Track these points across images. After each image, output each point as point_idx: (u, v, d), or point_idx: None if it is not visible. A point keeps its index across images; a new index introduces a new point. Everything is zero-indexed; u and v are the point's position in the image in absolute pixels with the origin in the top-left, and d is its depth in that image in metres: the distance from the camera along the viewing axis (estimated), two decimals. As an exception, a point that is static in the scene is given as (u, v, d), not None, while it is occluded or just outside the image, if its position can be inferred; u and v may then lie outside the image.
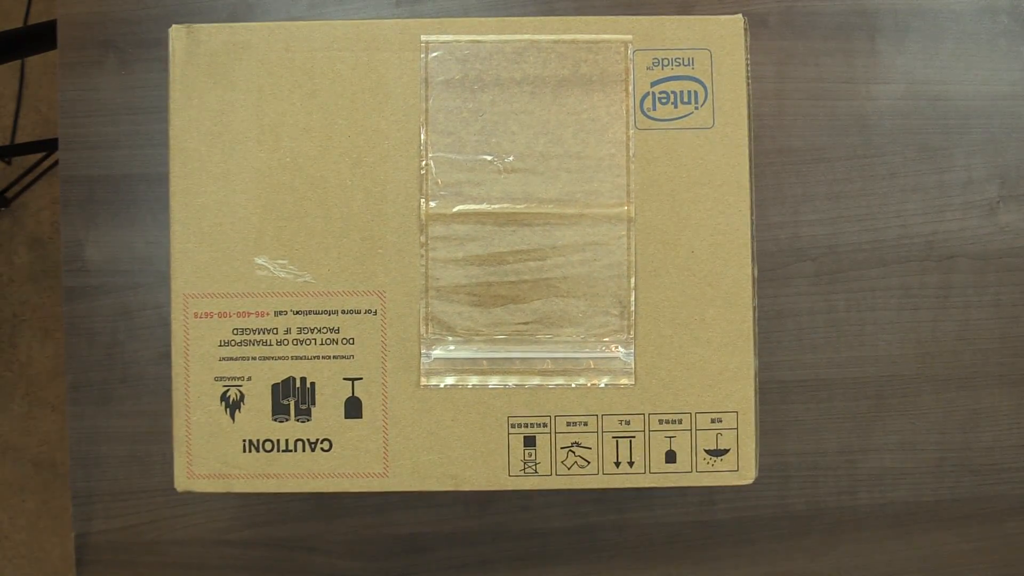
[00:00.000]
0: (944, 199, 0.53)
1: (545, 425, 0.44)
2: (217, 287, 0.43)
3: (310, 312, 0.44)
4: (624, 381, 0.44)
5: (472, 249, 0.44)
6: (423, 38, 0.43)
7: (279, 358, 0.44)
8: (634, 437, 0.44)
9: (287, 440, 0.44)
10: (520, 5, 0.54)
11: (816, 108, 0.53)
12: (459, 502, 0.54)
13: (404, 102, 0.43)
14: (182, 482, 0.44)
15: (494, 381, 0.44)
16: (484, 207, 0.44)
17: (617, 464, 0.44)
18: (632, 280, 0.44)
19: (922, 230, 0.53)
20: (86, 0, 0.54)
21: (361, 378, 0.44)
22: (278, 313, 0.44)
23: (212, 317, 0.43)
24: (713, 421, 0.44)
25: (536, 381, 0.44)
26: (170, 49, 0.43)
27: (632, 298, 0.44)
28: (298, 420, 0.44)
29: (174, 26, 0.43)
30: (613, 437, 0.44)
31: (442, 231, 0.43)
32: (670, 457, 0.44)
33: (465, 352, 0.44)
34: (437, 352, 0.44)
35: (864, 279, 0.53)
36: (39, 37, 0.82)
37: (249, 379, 0.44)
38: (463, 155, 0.43)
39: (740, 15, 0.44)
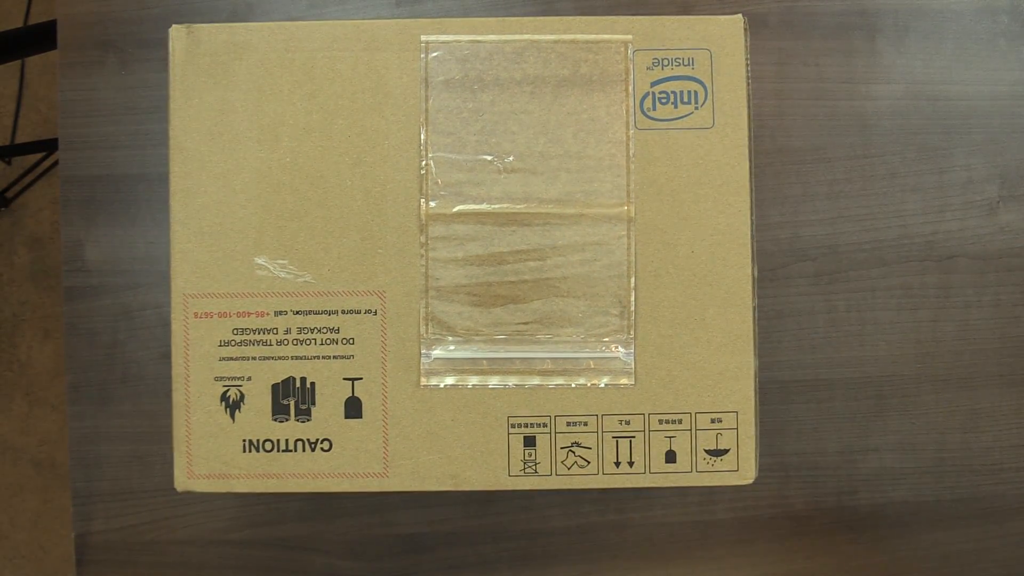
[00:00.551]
0: (944, 199, 0.53)
1: (545, 425, 0.44)
2: (217, 287, 0.43)
3: (310, 312, 0.44)
4: (624, 381, 0.44)
5: (472, 249, 0.44)
6: (423, 38, 0.44)
7: (279, 358, 0.44)
8: (634, 437, 0.44)
9: (287, 440, 0.44)
10: (520, 5, 0.54)
11: (816, 108, 0.53)
12: (459, 502, 0.54)
13: (404, 102, 0.43)
14: (182, 482, 0.44)
15: (494, 381, 0.44)
16: (484, 207, 0.44)
17: (617, 464, 0.44)
18: (632, 280, 0.44)
19: (922, 230, 0.53)
20: (86, 0, 0.54)
21: (361, 378, 0.44)
22: (278, 313, 0.44)
23: (212, 317, 0.43)
24: (713, 421, 0.44)
25: (536, 381, 0.44)
26: (170, 49, 0.43)
27: (632, 298, 0.44)
28: (298, 420, 0.44)
29: (174, 26, 0.43)
30: (613, 437, 0.44)
31: (442, 231, 0.43)
32: (670, 457, 0.44)
33: (465, 352, 0.44)
34: (437, 352, 0.44)
35: (864, 279, 0.53)
36: (39, 37, 0.82)
37: (249, 379, 0.44)
38: (463, 155, 0.43)
39: (740, 15, 0.44)
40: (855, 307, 0.53)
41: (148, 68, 0.54)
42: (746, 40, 0.44)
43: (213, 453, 0.44)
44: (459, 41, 0.44)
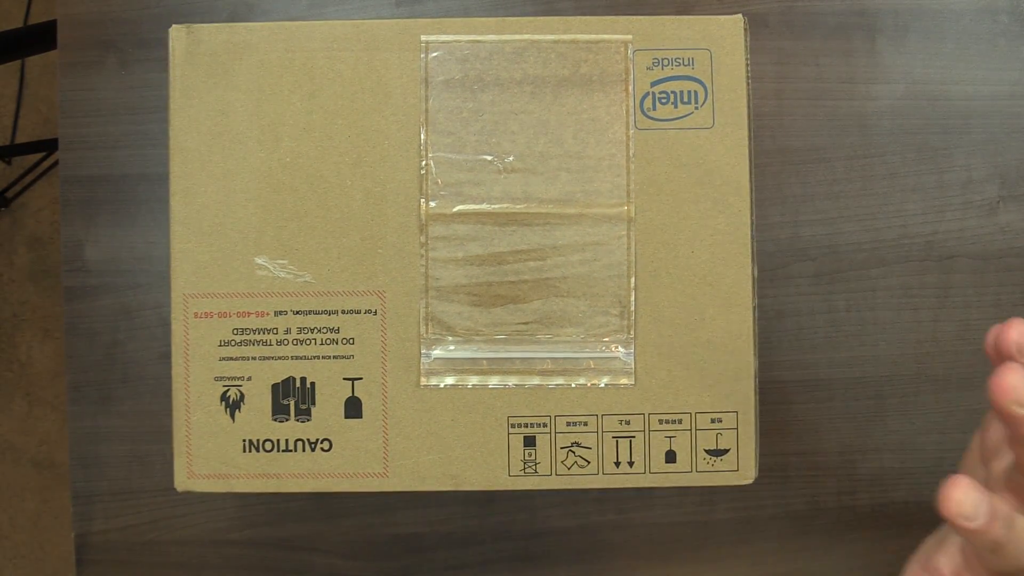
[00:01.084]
0: (944, 199, 0.53)
1: (545, 425, 0.44)
2: (217, 287, 0.43)
3: (310, 312, 0.44)
4: (624, 381, 0.44)
5: (472, 249, 0.44)
6: (423, 38, 0.43)
7: (279, 358, 0.44)
8: (634, 437, 0.44)
9: (287, 440, 0.44)
10: (520, 5, 0.54)
11: (816, 108, 0.53)
12: (459, 502, 0.54)
13: (404, 102, 0.43)
14: (182, 482, 0.44)
15: (494, 381, 0.44)
16: (484, 207, 0.44)
17: (617, 464, 0.44)
18: (632, 280, 0.44)
19: (922, 230, 0.53)
20: (86, 0, 0.54)
21: (361, 378, 0.44)
22: (278, 313, 0.44)
23: (212, 317, 0.43)
24: (713, 421, 0.44)
25: (536, 381, 0.44)
26: (170, 49, 0.43)
27: (632, 298, 0.44)
28: (298, 420, 0.44)
29: (174, 26, 0.43)
30: (613, 437, 0.44)
31: (442, 231, 0.43)
32: (670, 457, 0.44)
33: (465, 352, 0.44)
34: (437, 352, 0.44)
35: (864, 279, 0.53)
36: (39, 37, 0.82)
37: (249, 379, 0.44)
38: (463, 155, 0.43)
39: (740, 15, 0.44)
40: (855, 307, 0.53)
41: (148, 68, 0.54)
42: (746, 40, 0.44)
43: (213, 453, 0.44)
44: (459, 41, 0.44)
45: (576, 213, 0.44)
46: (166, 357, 0.53)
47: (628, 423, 0.44)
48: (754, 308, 0.44)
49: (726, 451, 0.44)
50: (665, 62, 0.44)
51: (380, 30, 0.44)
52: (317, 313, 0.44)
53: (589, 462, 0.44)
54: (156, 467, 0.54)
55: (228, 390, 0.44)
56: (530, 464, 0.44)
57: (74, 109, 0.54)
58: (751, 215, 0.44)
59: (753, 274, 0.44)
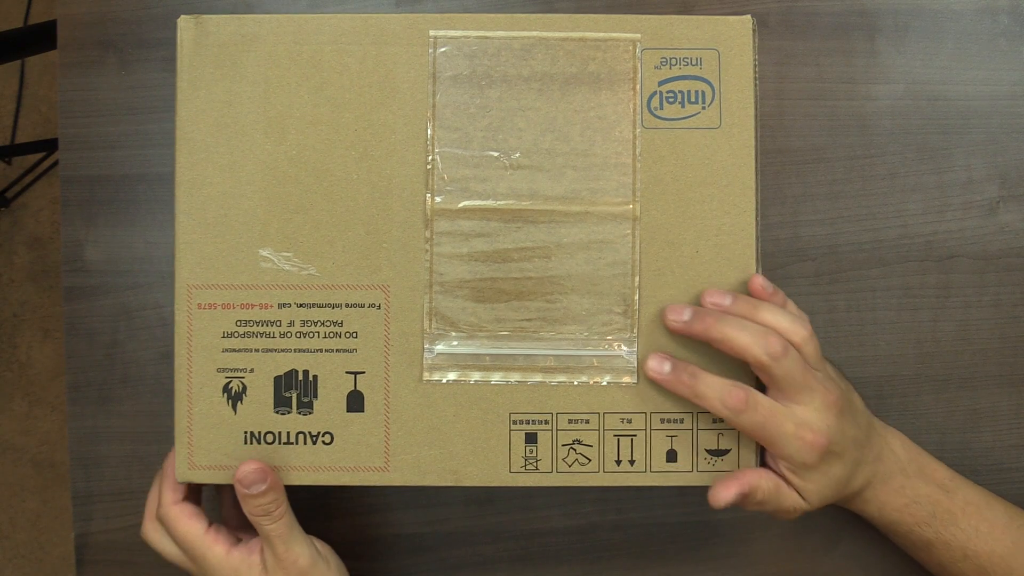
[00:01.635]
0: (944, 199, 0.54)
1: (547, 422, 0.44)
2: (221, 278, 0.43)
3: (314, 305, 0.44)
4: (626, 380, 0.44)
5: (477, 245, 0.44)
6: (431, 33, 0.44)
7: (282, 350, 0.44)
8: (635, 436, 0.44)
9: (289, 433, 0.44)
10: (520, 5, 0.54)
11: (816, 108, 0.53)
12: (459, 502, 0.54)
13: (411, 97, 0.44)
14: (183, 473, 0.44)
15: (496, 377, 0.44)
16: (490, 203, 0.44)
17: (618, 462, 0.44)
18: (636, 279, 0.44)
19: (922, 230, 0.53)
20: (86, 0, 0.54)
21: (364, 372, 0.44)
22: (282, 305, 0.44)
23: (216, 308, 0.43)
24: (714, 421, 0.44)
25: (538, 378, 0.44)
26: (178, 40, 0.43)
27: (636, 297, 0.44)
28: (300, 413, 0.44)
29: (182, 16, 0.43)
30: (614, 435, 0.44)
31: (447, 226, 0.44)
32: (671, 456, 0.44)
33: (468, 348, 0.44)
34: (440, 347, 0.44)
35: (864, 279, 0.53)
36: (39, 37, 0.82)
37: (252, 371, 0.44)
38: (469, 151, 0.44)
39: (749, 16, 0.44)
40: (855, 307, 0.53)
41: (148, 68, 0.54)
42: (754, 41, 0.44)
43: (215, 444, 0.44)
44: (467, 37, 0.44)
45: (581, 211, 0.44)
46: (166, 357, 0.53)
47: (630, 422, 0.44)
48: (757, 308, 0.44)
49: (727, 451, 0.44)
50: (673, 61, 0.44)
51: (389, 24, 0.44)
52: (321, 306, 0.44)
53: (590, 460, 0.44)
54: (156, 467, 0.53)
55: (230, 382, 0.44)
56: (531, 461, 0.44)
57: (74, 109, 0.54)
58: (756, 216, 0.44)
59: (758, 274, 0.44)
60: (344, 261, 0.44)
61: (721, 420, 0.44)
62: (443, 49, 0.44)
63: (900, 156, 0.53)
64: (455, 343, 0.44)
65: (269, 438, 0.44)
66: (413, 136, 0.44)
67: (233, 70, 0.43)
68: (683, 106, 0.44)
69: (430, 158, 0.44)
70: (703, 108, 0.44)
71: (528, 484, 0.44)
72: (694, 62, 0.44)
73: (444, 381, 0.44)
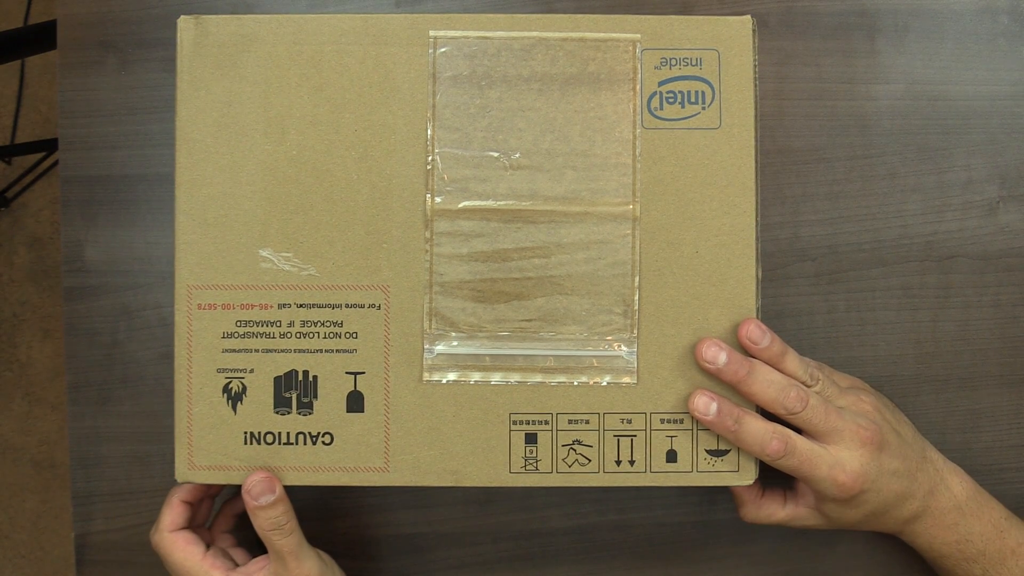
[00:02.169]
0: (944, 199, 0.53)
1: (547, 422, 0.44)
2: (221, 279, 0.43)
3: (313, 305, 0.44)
4: (626, 380, 0.44)
5: (477, 245, 0.44)
6: (432, 33, 0.44)
7: (282, 351, 0.44)
8: (635, 436, 0.44)
9: (288, 433, 0.44)
10: (520, 5, 0.54)
11: (816, 108, 0.53)
12: (459, 502, 0.54)
13: (411, 97, 0.44)
14: (183, 473, 0.44)
15: (496, 378, 0.44)
16: (490, 203, 0.44)
17: (618, 463, 0.44)
18: (636, 279, 0.44)
19: (922, 230, 0.53)
20: (86, 0, 0.54)
21: (363, 372, 0.44)
22: (282, 306, 0.44)
23: (216, 308, 0.43)
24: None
25: (538, 378, 0.44)
26: (178, 40, 0.43)
27: (636, 297, 0.44)
28: (300, 413, 0.44)
29: (182, 17, 0.43)
30: (614, 436, 0.44)
31: (447, 227, 0.44)
32: (671, 456, 0.44)
33: (468, 348, 0.44)
34: (440, 348, 0.44)
35: (864, 279, 0.53)
36: (39, 37, 0.82)
37: (251, 371, 0.44)
38: (469, 151, 0.44)
39: (749, 16, 0.44)
40: (855, 307, 0.53)
41: (148, 68, 0.54)
42: (754, 41, 0.44)
43: (214, 444, 0.44)
44: (467, 37, 0.44)
45: (581, 211, 0.44)
46: (166, 357, 0.53)
47: (630, 422, 0.44)
48: (758, 309, 0.44)
49: (727, 451, 0.44)
50: (673, 62, 0.44)
51: (389, 24, 0.44)
52: (321, 307, 0.44)
53: (590, 460, 0.44)
54: (156, 467, 0.54)
55: (230, 382, 0.44)
56: (531, 461, 0.44)
57: (74, 109, 0.54)
58: (756, 216, 0.44)
59: (757, 275, 0.44)
60: (344, 261, 0.44)
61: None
62: (443, 49, 0.44)
63: (900, 156, 0.53)
64: (455, 343, 0.44)
65: (269, 438, 0.44)
66: (413, 136, 0.44)
67: (233, 70, 0.43)
68: (683, 106, 0.44)
69: (430, 158, 0.44)
70: (703, 108, 0.44)
71: (528, 484, 0.44)
72: (694, 62, 0.44)
73: (444, 381, 0.44)
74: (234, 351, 0.43)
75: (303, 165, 0.43)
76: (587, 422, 0.44)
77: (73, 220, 0.54)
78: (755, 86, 0.44)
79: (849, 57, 0.53)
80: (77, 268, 0.54)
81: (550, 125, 0.44)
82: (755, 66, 0.44)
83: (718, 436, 0.44)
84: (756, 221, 0.44)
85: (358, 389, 0.44)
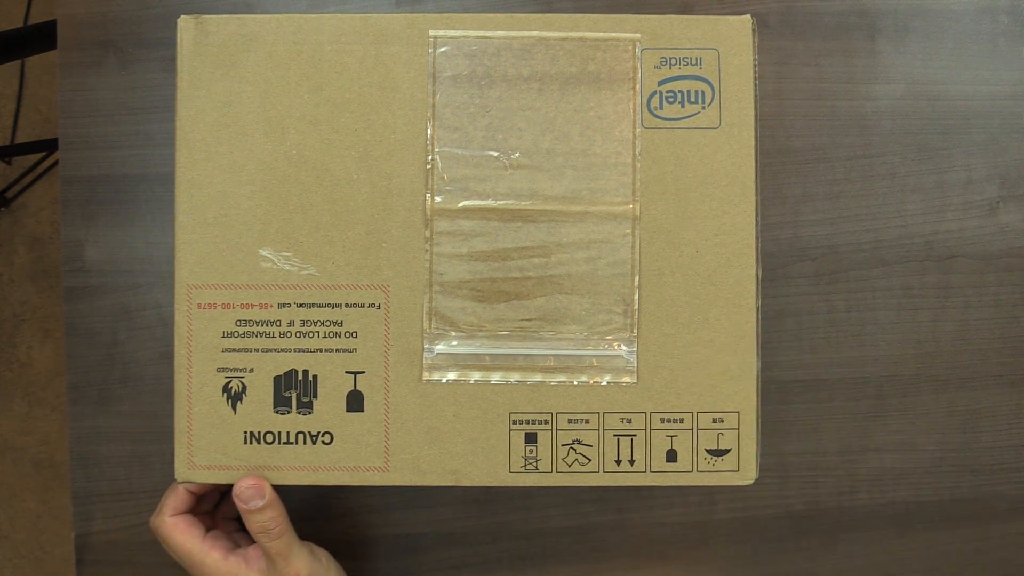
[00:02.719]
0: (944, 199, 0.54)
1: (547, 422, 0.44)
2: (221, 278, 0.43)
3: (313, 305, 0.44)
4: (626, 379, 0.44)
5: (477, 245, 0.44)
6: (431, 33, 0.44)
7: (282, 350, 0.44)
8: (635, 436, 0.44)
9: (288, 432, 0.44)
10: (520, 5, 0.54)
11: (816, 108, 0.53)
12: (459, 502, 0.54)
13: (411, 96, 0.44)
14: (182, 472, 0.44)
15: (496, 377, 0.44)
16: (489, 203, 0.44)
17: (618, 462, 0.44)
18: (636, 279, 0.44)
19: (922, 230, 0.53)
20: (86, 0, 0.54)
21: (363, 372, 0.44)
22: (281, 305, 0.44)
23: (215, 308, 0.43)
24: (715, 421, 0.44)
25: (538, 378, 0.44)
26: (178, 40, 0.43)
27: (636, 297, 0.44)
28: (300, 413, 0.44)
29: (183, 16, 0.43)
30: (614, 435, 0.44)
31: (447, 226, 0.44)
32: (671, 456, 0.44)
33: (468, 348, 0.44)
34: (440, 347, 0.44)
35: (864, 279, 0.53)
36: (39, 37, 0.82)
37: (251, 371, 0.44)
38: (469, 150, 0.44)
39: (749, 16, 0.44)
40: (855, 307, 0.53)
41: (148, 68, 0.54)
42: (754, 41, 0.44)
43: (214, 444, 0.44)
44: (467, 36, 0.44)
45: (581, 211, 0.44)
46: (166, 357, 0.53)
47: (630, 421, 0.44)
48: (758, 309, 0.44)
49: (727, 451, 0.44)
50: (673, 61, 0.44)
51: (388, 24, 0.44)
52: (320, 306, 0.44)
53: (590, 460, 0.44)
54: (156, 467, 0.54)
55: (230, 381, 0.44)
56: (531, 461, 0.44)
57: (74, 109, 0.54)
58: (756, 216, 0.44)
59: (757, 275, 0.44)
60: (344, 261, 0.44)
61: (722, 420, 0.44)
62: (443, 49, 0.44)
63: (900, 156, 0.53)
64: (455, 343, 0.44)
65: (269, 438, 0.44)
66: (413, 136, 0.44)
67: (233, 70, 0.43)
68: (683, 106, 0.44)
69: (430, 158, 0.44)
70: (703, 108, 0.44)
71: (528, 484, 0.44)
72: (694, 62, 0.44)
73: (444, 381, 0.44)
74: (234, 351, 0.43)
75: (303, 165, 0.43)
76: (587, 422, 0.44)
77: (73, 220, 0.54)
78: (755, 86, 0.44)
79: (849, 57, 0.53)
80: (77, 268, 0.54)
81: (550, 124, 0.44)
82: (755, 66, 0.44)
83: (718, 435, 0.44)
84: (756, 221, 0.44)
85: (358, 389, 0.44)
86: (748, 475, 0.44)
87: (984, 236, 0.53)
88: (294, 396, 0.44)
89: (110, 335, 0.54)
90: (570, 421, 0.44)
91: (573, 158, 0.44)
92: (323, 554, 0.46)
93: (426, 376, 0.44)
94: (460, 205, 0.44)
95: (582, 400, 0.44)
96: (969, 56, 0.54)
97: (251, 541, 0.47)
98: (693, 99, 0.44)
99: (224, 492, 0.49)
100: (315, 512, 0.53)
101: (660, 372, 0.44)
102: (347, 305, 0.44)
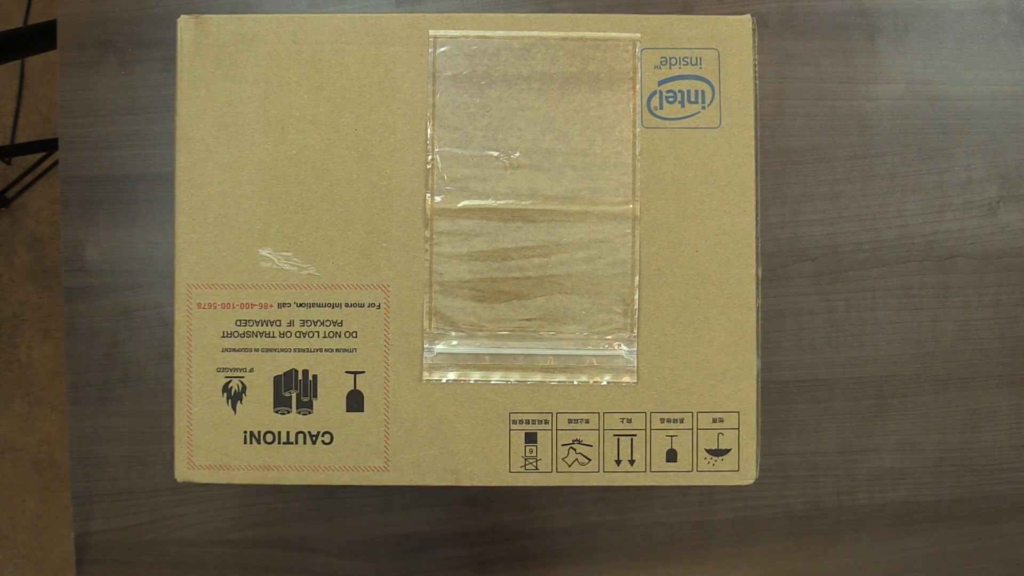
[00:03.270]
0: (944, 199, 0.54)
1: (547, 422, 0.44)
2: (221, 278, 0.43)
3: (313, 305, 0.44)
4: (626, 379, 0.44)
5: (476, 244, 0.44)
6: (431, 33, 0.44)
7: (282, 350, 0.44)
8: (635, 435, 0.44)
9: (288, 432, 0.44)
10: (520, 5, 0.54)
11: (816, 108, 0.53)
12: (459, 502, 0.54)
13: (411, 96, 0.44)
14: (182, 472, 0.44)
15: (496, 377, 0.44)
16: (489, 203, 0.44)
17: (618, 462, 0.44)
18: (636, 278, 0.44)
19: (922, 230, 0.53)
20: (86, 0, 0.54)
21: (363, 372, 0.44)
22: (281, 305, 0.44)
23: (215, 308, 0.43)
24: (715, 421, 0.44)
25: (538, 378, 0.44)
26: (178, 40, 0.44)
27: (636, 296, 0.44)
28: (300, 412, 0.44)
29: (183, 16, 0.43)
30: (614, 435, 0.44)
31: (447, 226, 0.44)
32: (671, 456, 0.44)
33: (468, 347, 0.44)
34: (440, 347, 0.44)
35: (864, 279, 0.53)
36: (39, 37, 0.82)
37: (251, 370, 0.44)
38: (469, 150, 0.44)
39: (749, 16, 0.44)
40: (855, 307, 0.53)
41: (148, 68, 0.54)
42: (754, 41, 0.44)
43: (214, 444, 0.44)
44: (467, 36, 0.44)
45: (581, 210, 0.44)
46: (166, 357, 0.53)
47: (630, 421, 0.44)
48: (758, 308, 0.44)
49: (727, 451, 0.44)
50: (673, 61, 0.44)
51: (388, 24, 0.44)
52: (320, 306, 0.44)
53: (590, 460, 0.44)
54: (156, 467, 0.54)
55: (230, 381, 0.44)
56: (531, 461, 0.44)
57: (74, 109, 0.54)
58: (756, 215, 0.44)
59: (757, 274, 0.44)
60: (344, 261, 0.44)
61: (722, 420, 0.44)
62: (443, 49, 0.44)
63: (900, 156, 0.53)
64: (455, 343, 0.44)
65: (269, 438, 0.44)
66: (413, 136, 0.44)
67: (233, 70, 0.43)
68: (683, 106, 0.44)
69: (430, 158, 0.44)
70: (703, 108, 0.44)
71: (528, 484, 0.44)
72: (694, 62, 0.44)
73: (444, 381, 0.44)
74: (234, 350, 0.43)
75: (303, 165, 0.44)
76: (587, 422, 0.44)
77: (73, 220, 0.54)
78: (755, 86, 0.44)
79: (849, 57, 0.53)
80: (77, 268, 0.54)
81: (550, 124, 0.44)
82: (755, 66, 0.44)
83: (718, 435, 0.44)
84: (756, 221, 0.44)
85: (358, 388, 0.44)
86: (748, 475, 0.44)
87: (984, 236, 0.53)
88: (294, 396, 0.44)
89: (110, 335, 0.54)
90: (570, 421, 0.44)
91: (573, 158, 0.44)
92: None
93: (426, 376, 0.44)
94: (460, 205, 0.44)
95: (582, 400, 0.44)
96: (969, 56, 0.54)
97: None
98: (693, 99, 0.44)
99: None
100: (315, 512, 0.53)
101: (660, 372, 0.44)
102: (347, 305, 0.44)
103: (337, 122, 0.44)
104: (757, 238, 0.44)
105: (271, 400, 0.44)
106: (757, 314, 0.44)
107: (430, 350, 0.44)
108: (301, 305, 0.44)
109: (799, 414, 0.54)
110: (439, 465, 0.44)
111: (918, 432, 0.53)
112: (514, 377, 0.44)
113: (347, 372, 0.44)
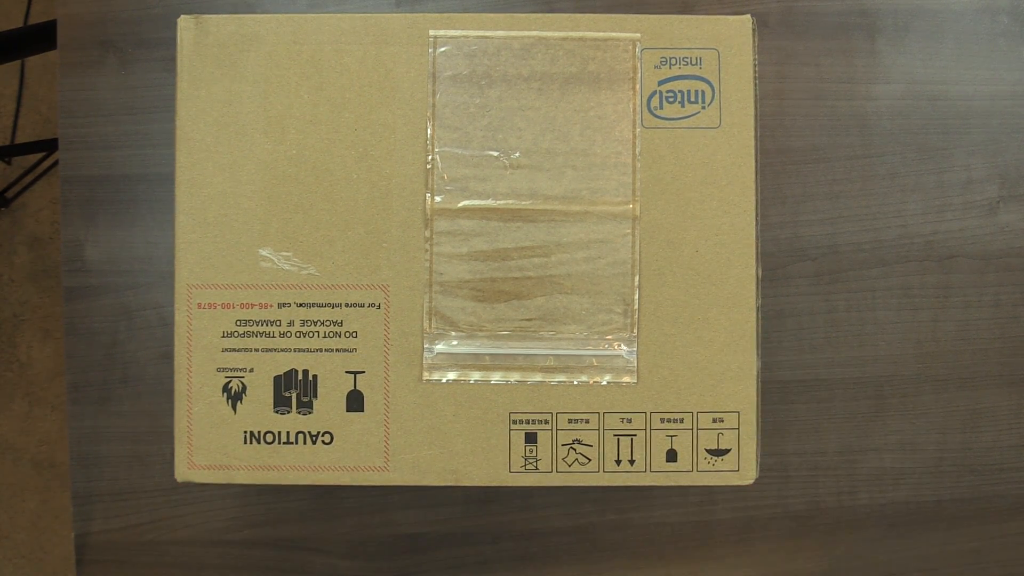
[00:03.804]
0: (944, 199, 0.54)
1: (547, 422, 0.44)
2: (221, 278, 0.43)
3: (313, 305, 0.44)
4: (626, 379, 0.44)
5: (476, 244, 0.44)
6: (431, 33, 0.44)
7: (282, 350, 0.44)
8: (635, 435, 0.44)
9: (288, 432, 0.44)
10: (520, 5, 0.54)
11: (816, 108, 0.53)
12: (459, 502, 0.54)
13: (411, 96, 0.44)
14: (182, 472, 0.44)
15: (496, 377, 0.44)
16: (489, 203, 0.44)
17: (618, 462, 0.44)
18: (636, 278, 0.44)
19: (922, 230, 0.53)
20: (86, 0, 0.54)
21: (363, 372, 0.44)
22: (281, 305, 0.44)
23: (215, 308, 0.43)
24: (715, 421, 0.44)
25: (538, 378, 0.44)
26: (178, 40, 0.44)
27: (636, 296, 0.44)
28: (300, 412, 0.44)
29: (183, 16, 0.43)
30: (614, 435, 0.44)
31: (447, 226, 0.44)
32: (671, 456, 0.44)
33: (468, 347, 0.44)
34: (440, 347, 0.44)
35: (864, 279, 0.53)
36: (39, 37, 0.82)
37: (251, 370, 0.44)
38: (469, 150, 0.44)
39: (749, 16, 0.44)
40: (855, 307, 0.53)
41: (148, 68, 0.54)
42: (754, 41, 0.44)
43: (214, 444, 0.44)
44: (467, 36, 0.44)
45: (581, 210, 0.44)
46: (166, 357, 0.53)
47: (630, 421, 0.44)
48: (758, 308, 0.44)
49: (727, 451, 0.44)
50: (673, 61, 0.44)
51: (388, 24, 0.44)
52: (320, 306, 0.44)
53: (590, 460, 0.44)
54: (156, 467, 0.54)
55: (230, 381, 0.44)
56: (531, 461, 0.44)
57: (74, 109, 0.54)
58: (756, 215, 0.44)
59: (757, 274, 0.44)
60: (344, 261, 0.44)
61: (722, 420, 0.44)
62: (443, 49, 0.44)
63: (900, 156, 0.53)
64: (455, 343, 0.44)
65: (269, 438, 0.44)
66: (413, 136, 0.44)
67: (233, 70, 0.43)
68: (683, 106, 0.44)
69: (430, 158, 0.44)
70: (703, 108, 0.44)
71: (528, 484, 0.44)
72: (694, 62, 0.44)
73: (444, 381, 0.44)
74: (234, 350, 0.43)
75: (303, 164, 0.44)
76: (587, 421, 0.44)
77: (73, 220, 0.54)
78: (755, 86, 0.44)
79: (849, 57, 0.54)
80: (77, 268, 0.54)
81: (550, 124, 0.44)
82: (755, 66, 0.44)
83: (718, 435, 0.44)
84: (756, 221, 0.44)
85: (358, 388, 0.44)
86: (748, 475, 0.44)
87: (984, 236, 0.53)
88: (294, 396, 0.44)
89: (110, 335, 0.54)
90: (570, 421, 0.44)
91: (573, 158, 0.44)
92: None
93: (426, 376, 0.44)
94: (460, 205, 0.44)
95: (582, 400, 0.44)
96: (969, 56, 0.54)
97: None
98: (693, 99, 0.44)
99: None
100: (315, 512, 0.53)
101: (660, 372, 0.44)
102: (347, 305, 0.44)
103: (337, 122, 0.44)
104: (757, 238, 0.44)
105: (271, 400, 0.44)
106: (757, 314, 0.44)
107: (430, 350, 0.44)
108: (301, 305, 0.44)
109: (799, 414, 0.54)
110: (439, 465, 0.44)
111: (918, 432, 0.53)
112: (514, 377, 0.44)
113: (347, 372, 0.44)
